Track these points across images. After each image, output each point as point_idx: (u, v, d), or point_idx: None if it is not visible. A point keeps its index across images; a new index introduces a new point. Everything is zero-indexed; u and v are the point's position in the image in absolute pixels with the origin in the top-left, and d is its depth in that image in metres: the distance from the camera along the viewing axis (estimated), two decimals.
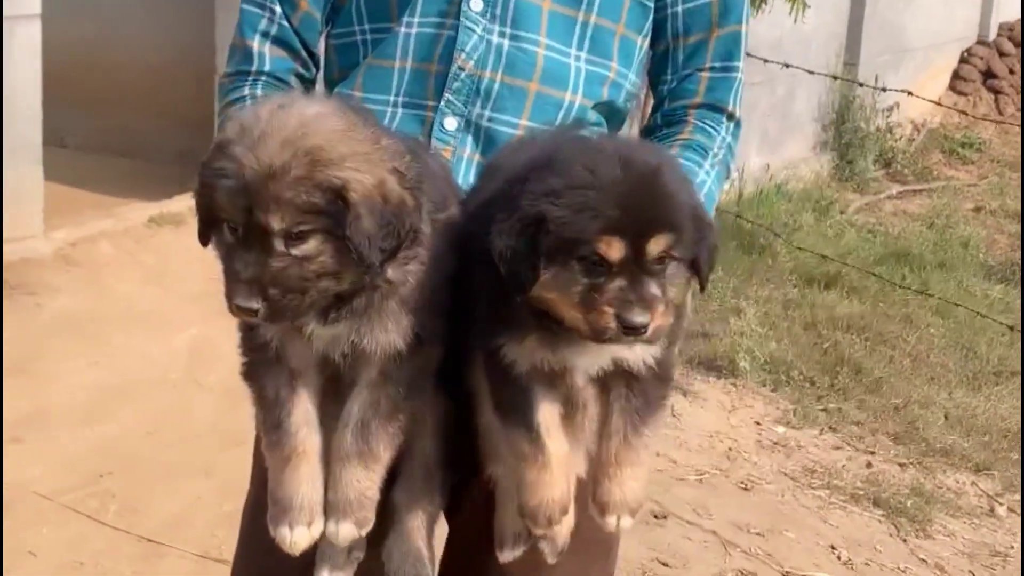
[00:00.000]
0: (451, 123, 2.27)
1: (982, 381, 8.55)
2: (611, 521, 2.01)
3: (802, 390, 7.30)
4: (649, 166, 1.86)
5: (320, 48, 2.48)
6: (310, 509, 2.04)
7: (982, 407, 7.85)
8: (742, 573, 4.92)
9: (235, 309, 1.86)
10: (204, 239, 1.95)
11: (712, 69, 2.40)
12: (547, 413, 2.00)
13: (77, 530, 4.69)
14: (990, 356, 9.00)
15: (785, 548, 5.24)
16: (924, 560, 5.41)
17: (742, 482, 5.90)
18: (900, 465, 6.70)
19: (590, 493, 2.03)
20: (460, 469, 2.27)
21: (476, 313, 2.01)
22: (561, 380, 2.01)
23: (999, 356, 9.04)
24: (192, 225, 6.89)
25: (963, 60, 15.82)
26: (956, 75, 15.65)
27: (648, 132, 2.45)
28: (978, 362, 8.85)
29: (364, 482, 2.05)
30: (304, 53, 2.45)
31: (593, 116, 2.34)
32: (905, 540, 5.62)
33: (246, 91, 2.41)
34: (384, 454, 2.06)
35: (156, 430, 5.53)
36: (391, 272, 1.93)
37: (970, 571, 5.38)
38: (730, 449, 6.30)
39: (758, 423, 6.75)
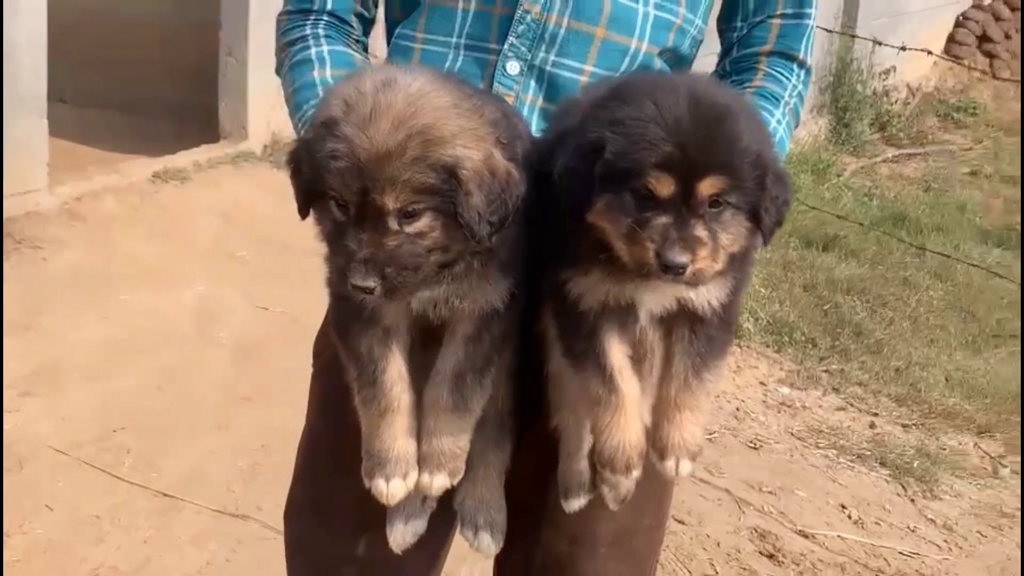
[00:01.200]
0: (514, 67, 2.23)
1: (981, 344, 8.59)
2: (670, 465, 2.01)
3: (805, 351, 7.32)
4: (717, 107, 1.84)
5: None
6: (406, 461, 2.07)
7: (982, 369, 7.89)
8: (756, 531, 4.93)
9: (351, 288, 1.85)
10: (304, 213, 1.94)
11: (784, 16, 2.36)
12: (618, 355, 1.99)
13: (93, 484, 4.67)
14: (989, 319, 9.04)
15: (796, 507, 5.27)
16: (933, 520, 5.43)
17: (751, 441, 5.92)
18: (903, 426, 6.74)
19: (650, 437, 2.03)
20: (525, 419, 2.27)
21: (545, 251, 2.00)
22: (628, 322, 1.99)
23: (998, 319, 9.09)
24: (196, 181, 6.88)
25: (959, 24, 15.81)
26: (952, 39, 15.66)
27: (718, 80, 2.38)
28: (977, 325, 8.90)
29: (458, 434, 2.08)
30: None
31: (658, 63, 2.31)
32: (913, 500, 5.65)
33: (308, 30, 2.37)
34: (476, 406, 2.08)
35: (167, 385, 5.51)
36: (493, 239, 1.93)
37: (978, 531, 5.41)
38: (737, 409, 6.31)
39: (763, 383, 6.77)
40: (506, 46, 2.23)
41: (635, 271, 1.85)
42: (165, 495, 4.68)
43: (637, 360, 2.02)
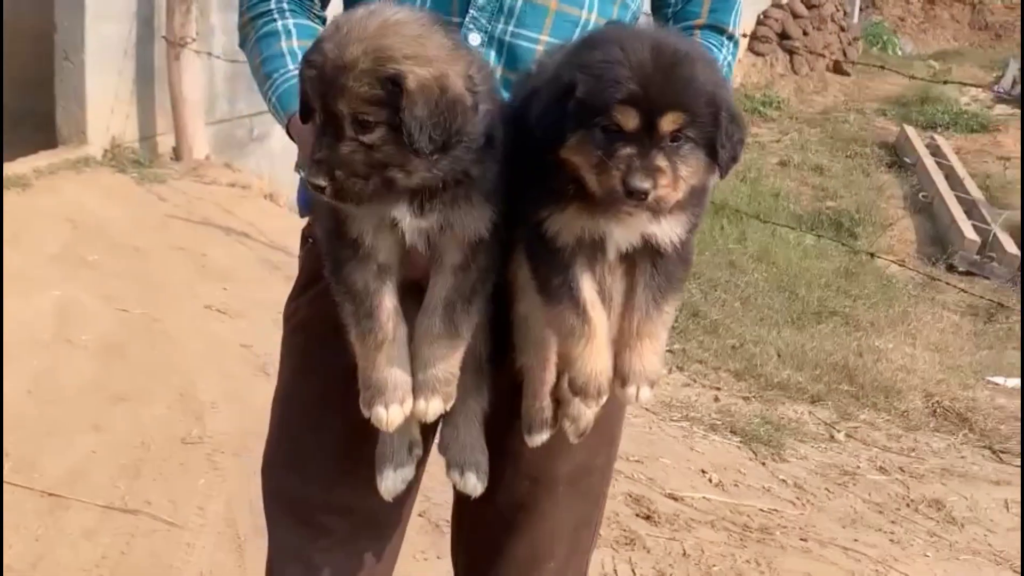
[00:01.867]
0: (475, 38, 2.37)
1: (805, 321, 9.12)
2: (631, 391, 2.15)
3: None
4: (678, 52, 2.02)
5: None
6: (403, 388, 2.18)
7: (809, 344, 8.39)
8: (631, 496, 5.17)
9: (308, 185, 2.03)
10: (304, 120, 2.11)
11: None
12: (590, 289, 2.15)
13: None
14: (810, 298, 9.60)
15: (663, 473, 5.55)
16: (784, 480, 5.80)
17: None
18: (744, 399, 7.14)
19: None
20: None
21: (523, 191, 2.15)
22: (597, 258, 2.15)
23: (818, 297, 9.65)
24: (38, 187, 6.78)
25: (759, 23, 16.53)
26: (754, 36, 16.35)
27: None
28: (800, 303, 9.44)
29: (450, 360, 2.20)
30: None
31: None
32: (764, 463, 6.01)
33: (272, 4, 2.50)
34: (466, 333, 2.21)
35: (36, 389, 5.43)
36: (474, 169, 2.09)
37: (826, 488, 5.80)
38: None
39: None
40: (467, 19, 2.37)
41: (604, 199, 2.02)
42: (51, 494, 4.63)
43: (602, 297, 2.18)
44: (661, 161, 1.98)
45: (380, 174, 2.03)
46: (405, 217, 2.12)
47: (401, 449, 2.37)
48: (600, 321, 2.15)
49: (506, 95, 2.31)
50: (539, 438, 2.39)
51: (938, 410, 7.59)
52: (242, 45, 2.55)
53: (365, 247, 2.16)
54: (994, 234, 11.88)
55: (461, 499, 2.54)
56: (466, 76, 2.06)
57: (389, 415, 2.18)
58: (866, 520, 5.46)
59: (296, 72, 2.38)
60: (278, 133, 9.28)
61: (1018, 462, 6.68)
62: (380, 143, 2.01)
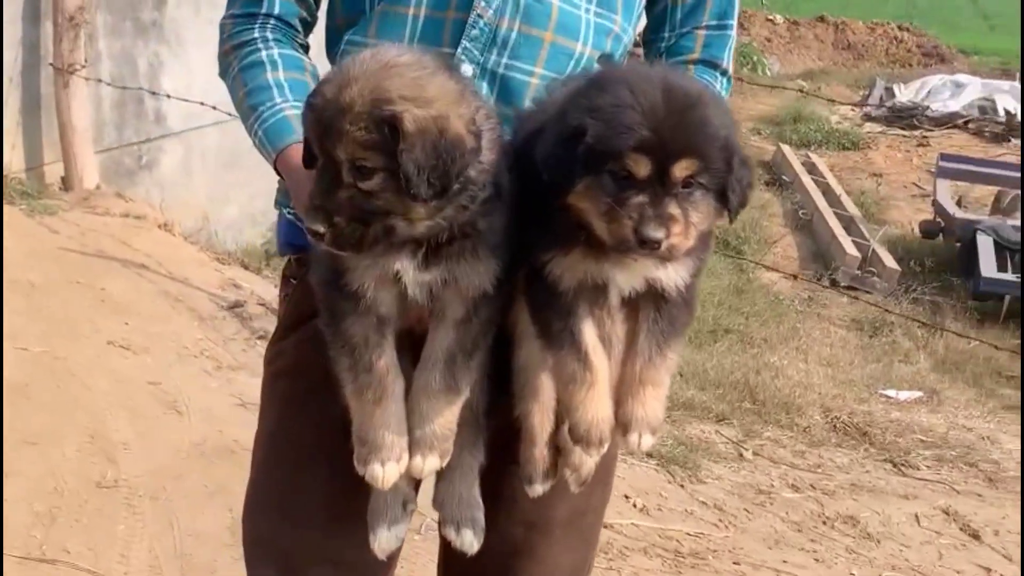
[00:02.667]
0: (467, 70, 2.32)
1: (703, 339, 9.23)
2: (633, 439, 2.12)
3: None
4: (689, 96, 1.98)
5: None
6: (399, 446, 2.12)
7: (708, 363, 8.48)
8: None
9: (307, 232, 1.97)
10: (308, 165, 2.04)
11: (708, 27, 2.54)
12: (592, 335, 2.11)
13: None
14: (705, 316, 9.71)
15: None
16: (704, 503, 5.83)
17: None
18: None
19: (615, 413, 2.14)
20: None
21: (526, 235, 2.10)
22: (599, 303, 2.11)
23: (712, 316, 9.78)
24: None
25: (635, 44, 16.69)
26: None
27: None
28: (696, 322, 9.51)
29: (448, 416, 2.15)
30: None
31: (597, 67, 2.44)
32: (683, 485, 6.04)
33: (256, 33, 2.43)
34: (466, 388, 2.17)
35: None
36: (480, 222, 2.04)
37: (744, 509, 5.84)
38: None
39: None
40: (459, 50, 2.32)
41: (614, 247, 1.97)
42: None
43: (603, 342, 2.14)
44: (674, 209, 1.94)
45: (381, 221, 1.96)
46: (408, 270, 2.06)
47: (395, 505, 2.31)
48: (602, 367, 2.12)
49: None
50: (539, 488, 2.33)
51: (838, 425, 7.72)
52: (222, 75, 2.48)
53: (366, 300, 2.09)
54: (873, 249, 12.19)
55: (450, 548, 2.47)
56: (469, 119, 2.00)
57: (385, 473, 2.12)
58: (788, 540, 5.52)
59: (283, 105, 2.32)
60: (167, 160, 9.12)
61: (920, 475, 6.85)
62: (379, 189, 1.95)
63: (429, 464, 2.15)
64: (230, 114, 8.30)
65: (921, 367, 9.55)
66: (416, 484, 2.38)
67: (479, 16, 2.33)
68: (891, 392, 8.64)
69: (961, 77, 18.99)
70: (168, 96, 8.73)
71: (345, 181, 1.95)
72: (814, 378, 8.67)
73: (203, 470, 5.26)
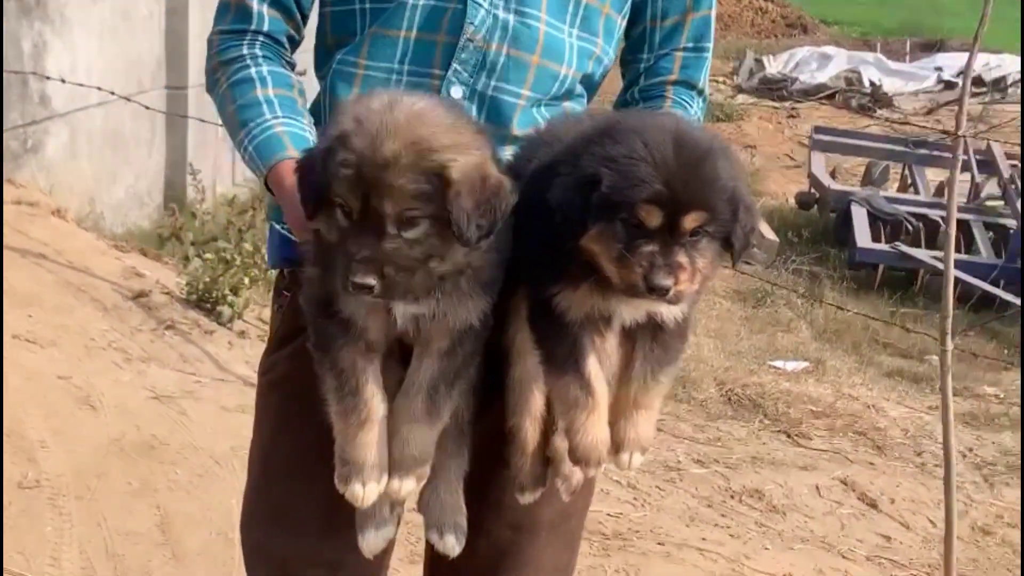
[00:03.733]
0: (457, 92, 2.39)
1: None
2: (624, 458, 2.23)
3: None
4: (699, 149, 2.08)
5: (314, 13, 2.56)
6: (380, 467, 2.20)
7: None
8: None
9: (352, 286, 1.99)
10: (312, 217, 2.07)
11: (686, 49, 2.62)
12: (595, 363, 2.21)
13: None
14: None
15: None
16: (618, 481, 5.97)
17: None
18: None
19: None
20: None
21: (531, 269, 2.19)
22: (603, 331, 2.21)
23: None
24: None
25: None
26: None
27: (625, 106, 2.65)
28: None
29: (427, 441, 2.24)
30: (298, 17, 2.53)
31: (579, 89, 2.54)
32: None
33: (244, 50, 2.46)
34: (446, 415, 2.25)
35: None
36: (475, 259, 2.11)
37: (657, 486, 6.01)
38: None
39: None
40: (450, 72, 2.40)
41: (624, 292, 2.08)
42: None
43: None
44: (682, 258, 2.05)
45: (423, 266, 2.03)
46: (399, 304, 2.13)
47: (383, 508, 2.38)
48: (603, 394, 2.22)
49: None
50: (531, 496, 2.44)
51: (732, 398, 7.97)
52: (209, 90, 2.52)
53: (356, 327, 2.16)
54: None
55: (436, 551, 2.55)
56: (494, 159, 2.10)
57: (366, 493, 2.21)
58: (701, 516, 5.71)
59: (273, 121, 2.37)
60: (53, 143, 8.87)
61: (814, 445, 7.13)
62: (424, 237, 2.01)
63: (406, 486, 2.24)
64: (113, 93, 8.11)
65: (804, 337, 9.87)
66: None
67: (469, 40, 2.39)
68: (779, 363, 8.92)
69: (828, 49, 19.55)
70: (56, 79, 8.52)
71: (389, 232, 1.99)
72: (705, 351, 8.89)
73: (125, 468, 5.22)
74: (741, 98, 18.00)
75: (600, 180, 2.05)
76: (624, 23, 2.60)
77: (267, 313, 7.27)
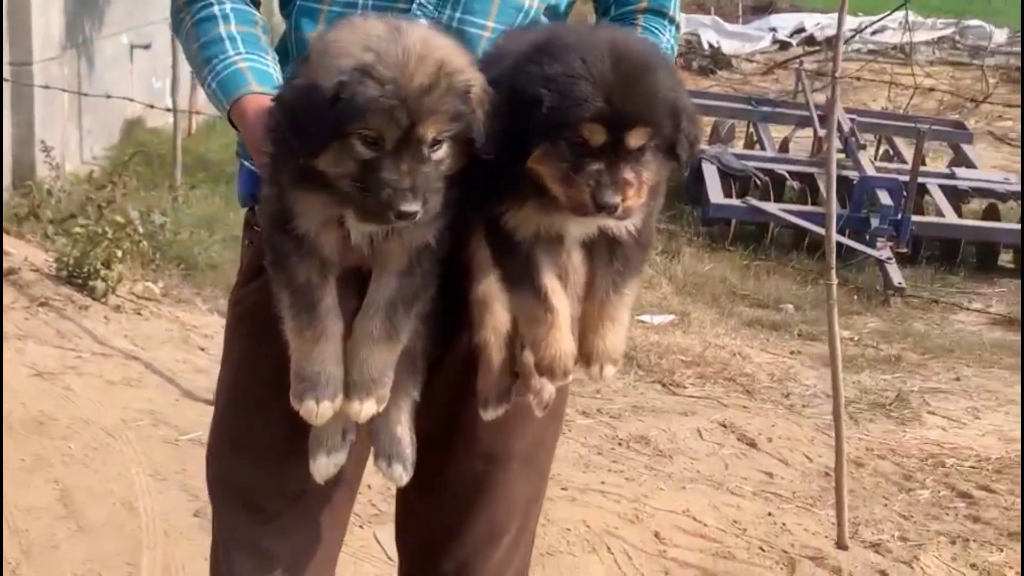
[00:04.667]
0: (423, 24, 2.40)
1: None
2: (595, 370, 2.28)
3: None
4: (638, 63, 2.12)
5: None
6: (335, 384, 2.22)
7: None
8: None
9: (397, 216, 2.02)
10: (318, 154, 2.05)
11: None
12: (551, 277, 2.24)
13: None
14: None
15: None
16: None
17: None
18: None
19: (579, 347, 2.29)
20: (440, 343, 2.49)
21: (481, 188, 2.20)
22: (556, 247, 2.25)
23: None
24: None
25: None
26: None
27: None
28: None
29: (386, 362, 2.26)
30: None
31: (544, 20, 2.56)
32: None
33: (215, 9, 2.47)
34: (405, 336, 2.27)
35: None
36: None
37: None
38: None
39: None
40: (415, 6, 2.43)
41: (572, 211, 2.12)
42: None
43: (562, 280, 2.28)
44: (628, 174, 2.09)
45: (443, 185, 2.09)
46: (353, 220, 2.15)
47: (335, 435, 2.41)
48: (562, 307, 2.26)
49: None
50: (494, 412, 2.46)
51: None
52: (175, 30, 2.54)
53: (310, 243, 2.18)
54: None
55: (409, 485, 2.57)
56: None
57: (320, 410, 2.22)
58: (594, 463, 5.85)
59: (236, 57, 2.40)
60: None
61: (688, 392, 7.36)
62: (446, 156, 2.07)
63: (367, 408, 2.25)
64: None
65: (666, 291, 10.09)
66: None
67: None
68: (646, 317, 9.13)
69: None
70: None
71: (425, 157, 2.04)
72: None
73: (16, 446, 5.12)
74: None
75: (542, 101, 2.07)
76: None
77: (140, 288, 7.23)
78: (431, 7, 2.45)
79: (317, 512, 2.60)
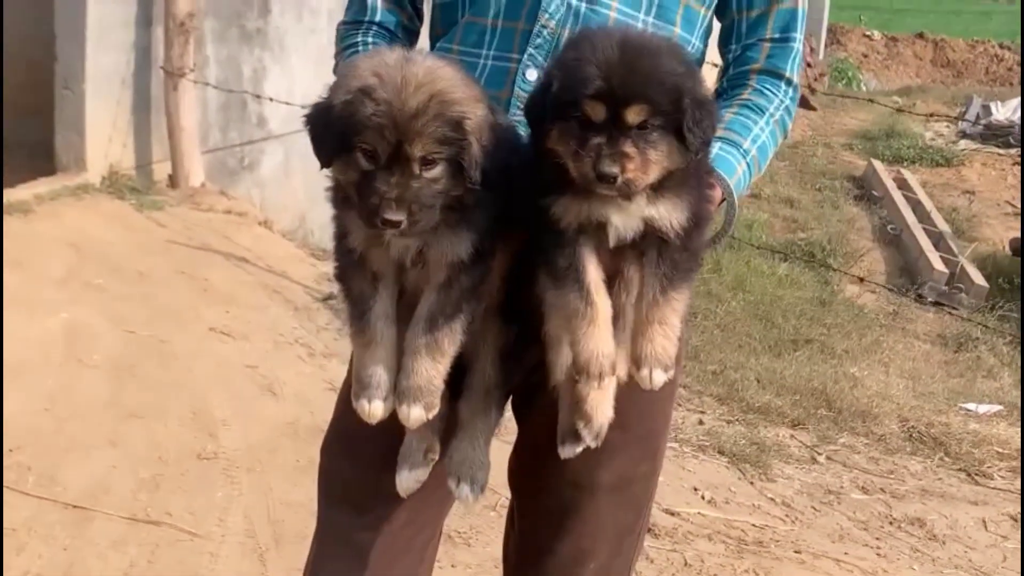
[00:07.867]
0: (532, 74, 2.60)
1: (782, 348, 9.37)
2: (644, 374, 2.32)
3: None
4: (642, 48, 2.25)
5: (425, 5, 2.85)
6: (385, 387, 2.40)
7: (787, 370, 8.62)
8: None
9: (381, 222, 2.22)
10: (327, 164, 2.31)
11: (772, 40, 2.73)
12: (594, 273, 2.33)
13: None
14: (786, 326, 9.86)
15: (659, 490, 5.74)
16: (772, 499, 6.02)
17: None
18: (727, 422, 7.34)
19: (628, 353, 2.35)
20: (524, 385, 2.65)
21: (531, 183, 2.35)
22: (601, 245, 2.33)
23: (793, 326, 9.91)
24: (40, 213, 6.99)
25: None
26: None
27: (717, 95, 2.75)
28: (776, 331, 9.69)
29: (431, 371, 2.40)
30: (410, 8, 2.85)
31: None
32: (752, 483, 6.23)
33: (359, 38, 2.78)
34: (448, 348, 2.41)
35: (53, 407, 5.60)
36: (467, 197, 2.32)
37: (812, 506, 6.02)
38: None
39: None
40: (525, 56, 2.62)
41: (581, 184, 2.24)
42: (75, 506, 4.81)
43: (609, 283, 2.36)
44: (628, 148, 2.19)
45: (437, 202, 2.26)
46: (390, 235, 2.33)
47: (418, 452, 2.59)
48: (603, 304, 2.32)
49: None
50: (570, 450, 2.53)
51: (914, 434, 7.82)
52: (338, 44, 2.84)
53: (360, 256, 2.38)
54: (962, 266, 12.20)
55: (512, 515, 2.77)
56: (492, 110, 2.34)
57: (371, 409, 2.40)
58: (852, 536, 5.69)
59: None
60: (268, 161, 9.50)
61: (993, 484, 6.95)
62: (440, 176, 2.25)
63: (414, 414, 2.39)
64: None
65: (1004, 383, 9.56)
66: (440, 436, 2.62)
67: (543, 27, 2.61)
68: (971, 406, 8.69)
69: None
70: (271, 100, 9.13)
71: (415, 173, 2.23)
72: (893, 389, 8.75)
73: (295, 447, 5.60)
74: (964, 143, 17.51)
75: (552, 83, 2.26)
76: (710, 13, 2.74)
77: None
78: (540, 58, 2.60)
79: (407, 518, 2.76)
